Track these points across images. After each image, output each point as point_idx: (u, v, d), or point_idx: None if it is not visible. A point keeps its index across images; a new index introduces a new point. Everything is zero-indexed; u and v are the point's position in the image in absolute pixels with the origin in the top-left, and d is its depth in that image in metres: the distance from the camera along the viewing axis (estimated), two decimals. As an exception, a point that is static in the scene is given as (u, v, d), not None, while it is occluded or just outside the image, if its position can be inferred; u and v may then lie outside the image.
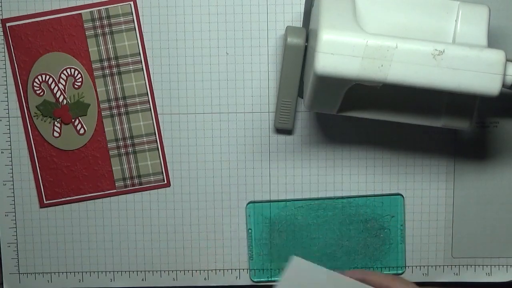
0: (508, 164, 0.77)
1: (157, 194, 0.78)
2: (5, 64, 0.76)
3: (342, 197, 0.77)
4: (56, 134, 0.77)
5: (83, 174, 0.77)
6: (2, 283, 0.79)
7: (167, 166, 0.77)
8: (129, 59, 0.76)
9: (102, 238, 0.78)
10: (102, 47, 0.75)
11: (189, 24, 0.75)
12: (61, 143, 0.77)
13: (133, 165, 0.77)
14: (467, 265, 0.78)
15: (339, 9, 0.63)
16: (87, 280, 0.79)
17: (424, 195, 0.78)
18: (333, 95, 0.66)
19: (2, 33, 0.76)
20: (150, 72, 0.76)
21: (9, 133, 0.77)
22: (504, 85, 0.63)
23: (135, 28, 0.75)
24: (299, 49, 0.71)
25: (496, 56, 0.61)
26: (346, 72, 0.61)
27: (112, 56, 0.76)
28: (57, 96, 0.76)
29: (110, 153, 0.77)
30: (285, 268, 0.65)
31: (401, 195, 0.78)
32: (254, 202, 0.78)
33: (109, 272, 0.79)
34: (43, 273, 0.79)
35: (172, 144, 0.77)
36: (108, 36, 0.75)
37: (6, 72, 0.76)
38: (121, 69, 0.76)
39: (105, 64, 0.76)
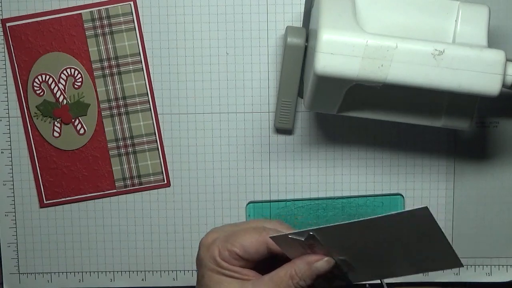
0: (508, 164, 0.77)
1: (157, 194, 0.78)
2: (5, 64, 0.76)
3: (342, 197, 0.77)
4: (56, 134, 0.77)
5: (83, 174, 0.77)
6: (2, 283, 0.79)
7: (167, 166, 0.77)
8: (129, 59, 0.76)
9: (102, 238, 0.78)
10: (102, 47, 0.75)
11: (189, 24, 0.75)
12: (61, 143, 0.77)
13: (133, 165, 0.77)
14: (467, 265, 0.78)
15: (339, 9, 0.63)
16: (87, 280, 0.79)
17: (424, 195, 0.77)
18: (333, 95, 0.66)
19: (2, 33, 0.76)
20: (150, 72, 0.76)
21: (9, 133, 0.77)
22: (504, 85, 0.62)
23: (135, 28, 0.75)
24: (299, 49, 0.71)
25: (496, 56, 0.61)
26: (346, 72, 0.61)
27: (112, 56, 0.76)
28: (57, 96, 0.76)
29: (110, 153, 0.77)
30: None
31: (401, 195, 0.78)
32: (254, 202, 0.78)
33: (109, 272, 0.79)
34: (43, 273, 0.79)
35: (172, 144, 0.77)
36: (108, 36, 0.75)
37: (6, 72, 0.76)
38: (121, 69, 0.76)
39: (105, 64, 0.76)
